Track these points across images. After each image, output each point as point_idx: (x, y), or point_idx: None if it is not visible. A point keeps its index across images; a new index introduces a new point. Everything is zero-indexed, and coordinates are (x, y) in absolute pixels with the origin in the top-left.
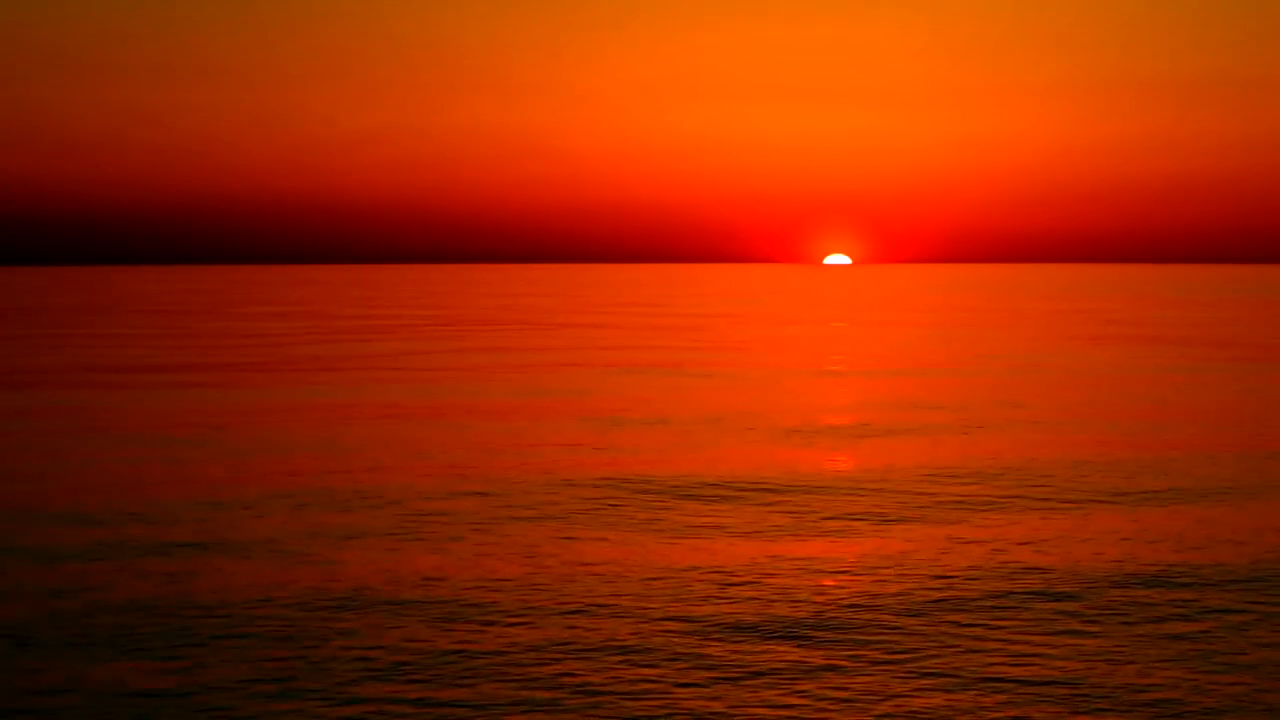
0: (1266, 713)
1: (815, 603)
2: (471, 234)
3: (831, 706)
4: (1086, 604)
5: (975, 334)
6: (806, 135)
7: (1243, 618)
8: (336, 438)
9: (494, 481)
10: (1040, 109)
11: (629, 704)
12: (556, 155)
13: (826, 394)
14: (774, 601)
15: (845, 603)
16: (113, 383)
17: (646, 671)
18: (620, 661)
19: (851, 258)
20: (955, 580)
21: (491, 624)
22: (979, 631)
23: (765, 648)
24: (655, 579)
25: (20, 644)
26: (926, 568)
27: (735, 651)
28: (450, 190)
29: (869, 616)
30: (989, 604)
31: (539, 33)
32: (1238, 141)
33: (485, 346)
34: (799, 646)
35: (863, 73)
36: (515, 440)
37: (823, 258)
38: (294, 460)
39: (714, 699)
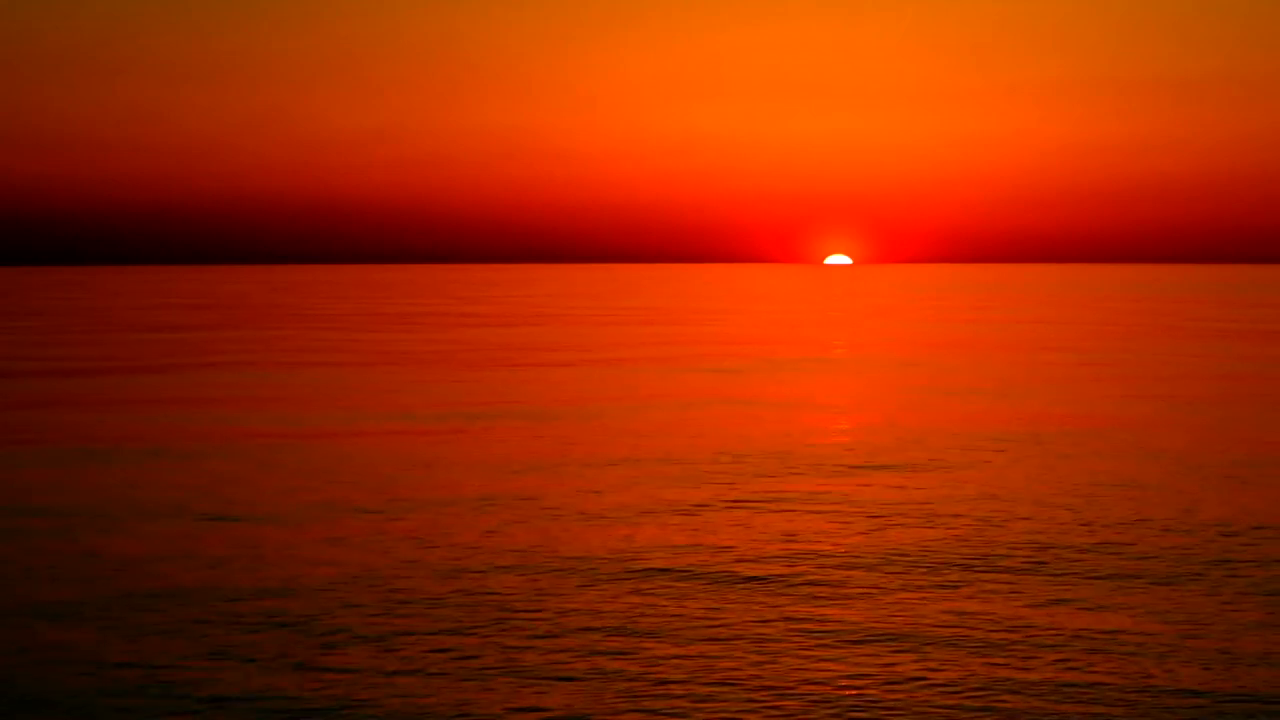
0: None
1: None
2: (473, 234)
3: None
4: None
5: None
6: (807, 135)
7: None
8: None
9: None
10: (1040, 109)
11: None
12: (558, 155)
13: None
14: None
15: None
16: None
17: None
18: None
19: (852, 258)
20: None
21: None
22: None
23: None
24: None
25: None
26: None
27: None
28: (453, 190)
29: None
30: None
31: (542, 33)
32: (1238, 141)
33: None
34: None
35: (863, 73)
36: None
37: (823, 258)
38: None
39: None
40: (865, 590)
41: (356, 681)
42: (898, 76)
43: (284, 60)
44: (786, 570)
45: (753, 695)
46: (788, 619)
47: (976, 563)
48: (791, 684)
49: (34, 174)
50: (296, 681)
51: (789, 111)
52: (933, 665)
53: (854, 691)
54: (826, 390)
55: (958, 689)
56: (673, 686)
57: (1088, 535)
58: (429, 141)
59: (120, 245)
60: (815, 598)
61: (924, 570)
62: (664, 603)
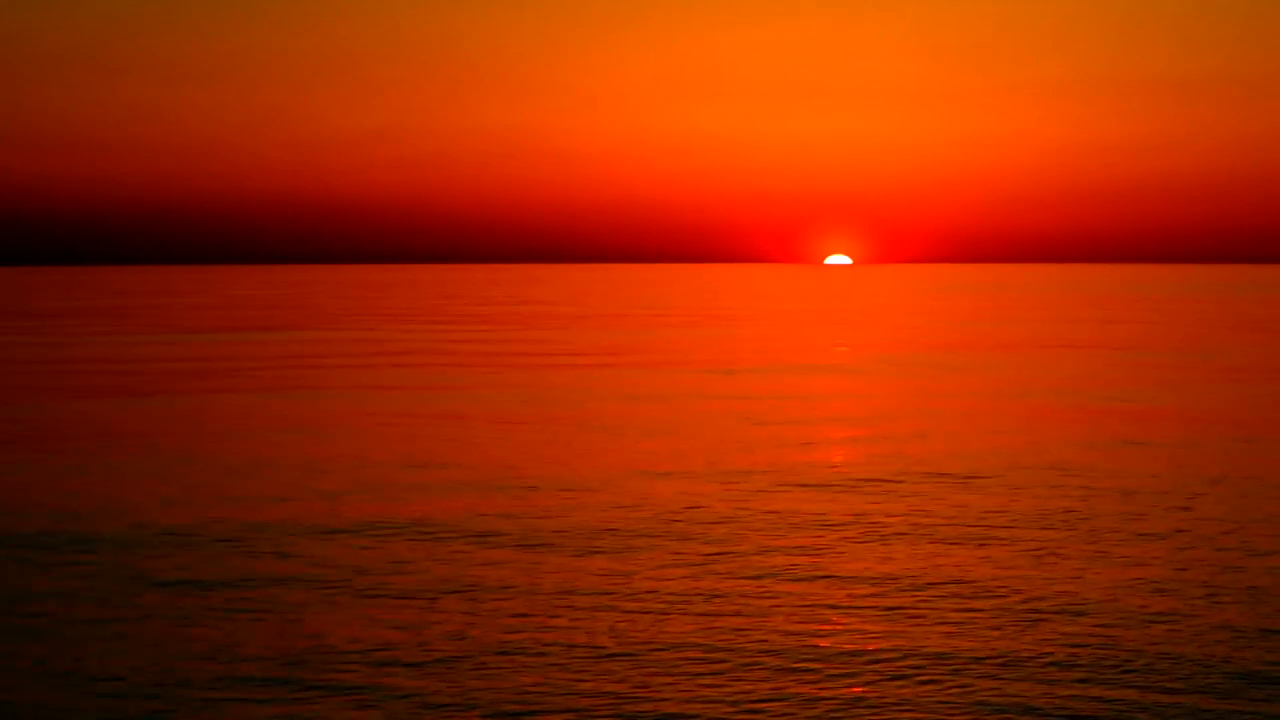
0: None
1: None
2: (474, 234)
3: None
4: None
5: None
6: (808, 135)
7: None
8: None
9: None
10: (1040, 109)
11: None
12: (558, 155)
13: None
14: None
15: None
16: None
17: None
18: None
19: (852, 258)
20: None
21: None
22: None
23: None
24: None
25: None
26: None
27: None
28: (453, 190)
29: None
30: None
31: (542, 33)
32: (1238, 141)
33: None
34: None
35: (863, 73)
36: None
37: (824, 258)
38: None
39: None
40: (864, 610)
41: (349, 674)
42: (898, 76)
43: (284, 60)
44: (792, 590)
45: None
46: (791, 639)
47: (981, 576)
48: (791, 705)
49: (34, 174)
50: (292, 679)
51: (789, 111)
52: (933, 683)
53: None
54: (859, 394)
55: (958, 709)
56: (662, 688)
57: (1091, 544)
58: (429, 141)
59: (120, 245)
60: (817, 617)
61: (923, 589)
62: (654, 619)
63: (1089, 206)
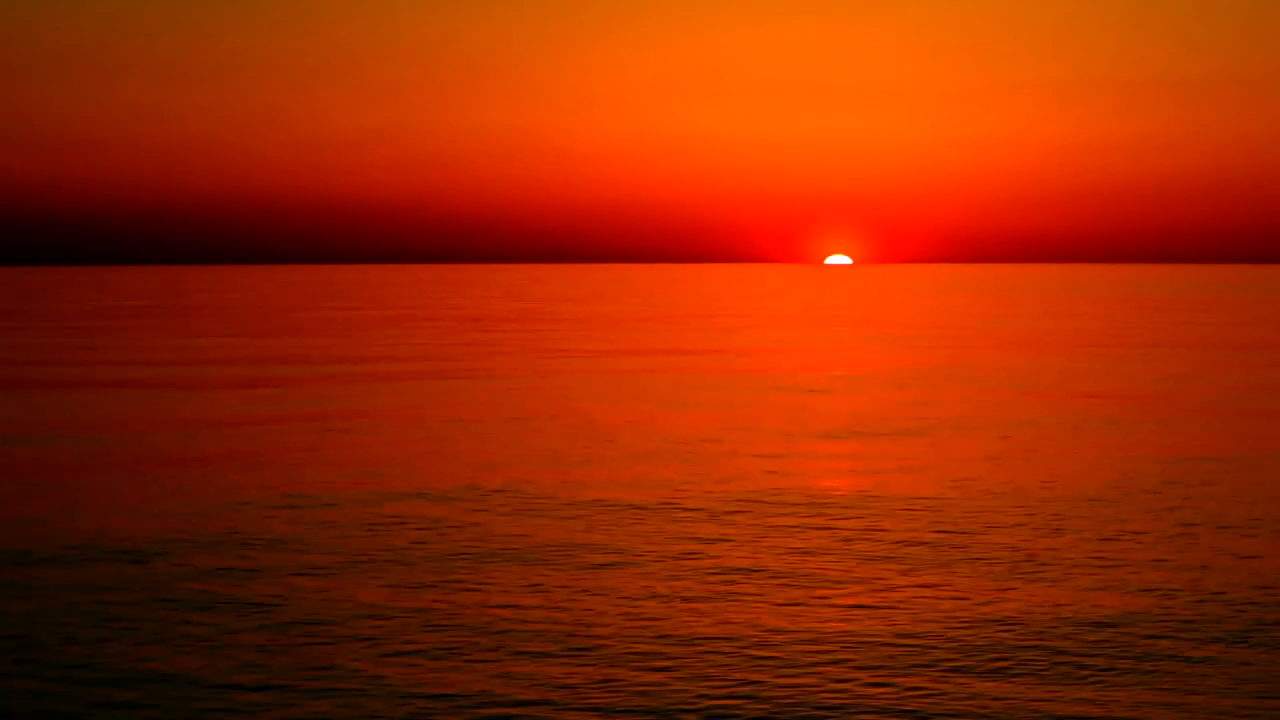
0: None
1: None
2: (474, 234)
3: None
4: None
5: None
6: (808, 135)
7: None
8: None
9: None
10: (1040, 109)
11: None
12: (558, 155)
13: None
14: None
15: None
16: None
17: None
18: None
19: (852, 258)
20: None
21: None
22: None
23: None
24: None
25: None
26: None
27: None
28: (453, 190)
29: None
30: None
31: (542, 33)
32: (1238, 141)
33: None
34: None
35: (863, 73)
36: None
37: (824, 258)
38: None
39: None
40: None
41: (350, 663)
42: (898, 76)
43: (284, 60)
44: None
45: None
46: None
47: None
48: None
49: (34, 174)
50: (292, 671)
51: (789, 111)
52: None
53: None
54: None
55: None
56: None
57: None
58: (429, 141)
59: (120, 245)
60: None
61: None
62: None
63: (1089, 206)
